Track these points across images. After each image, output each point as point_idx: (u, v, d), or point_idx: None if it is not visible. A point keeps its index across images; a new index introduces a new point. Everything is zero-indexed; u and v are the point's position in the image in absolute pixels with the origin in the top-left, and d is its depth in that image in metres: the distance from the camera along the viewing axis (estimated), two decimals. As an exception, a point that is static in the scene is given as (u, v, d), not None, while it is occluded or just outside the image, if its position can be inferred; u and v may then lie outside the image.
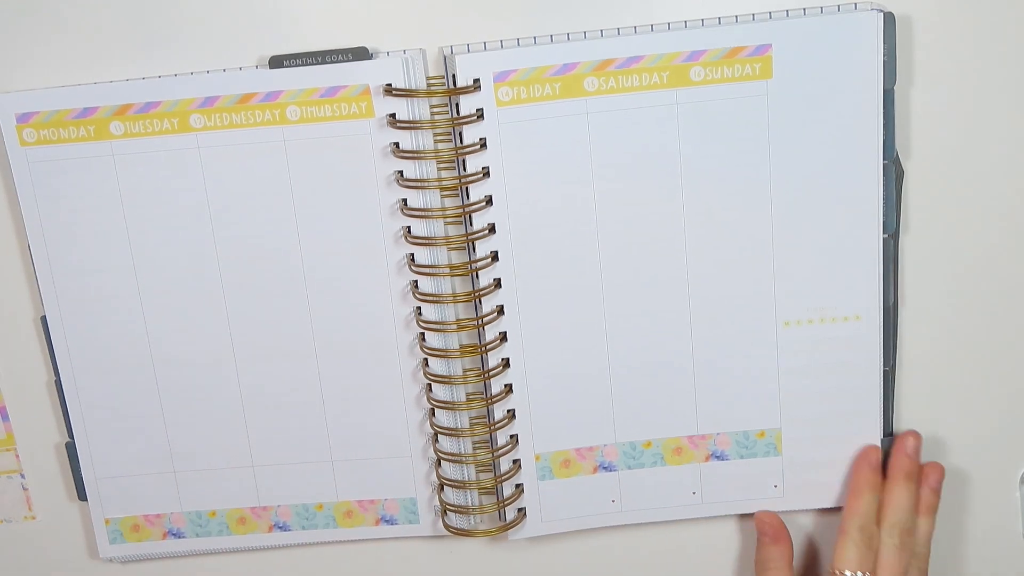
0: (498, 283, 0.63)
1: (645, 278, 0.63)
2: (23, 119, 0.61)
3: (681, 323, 0.64)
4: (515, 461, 0.66)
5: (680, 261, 0.62)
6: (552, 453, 0.66)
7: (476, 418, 0.66)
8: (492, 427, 0.65)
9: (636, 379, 0.65)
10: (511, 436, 0.66)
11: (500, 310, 0.64)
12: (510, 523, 0.67)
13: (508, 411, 0.65)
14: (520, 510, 0.67)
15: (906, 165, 0.62)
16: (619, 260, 0.63)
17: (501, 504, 0.66)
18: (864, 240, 0.62)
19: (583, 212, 0.62)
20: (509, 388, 0.65)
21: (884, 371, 0.64)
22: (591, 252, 0.62)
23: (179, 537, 0.68)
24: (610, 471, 0.66)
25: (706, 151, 0.61)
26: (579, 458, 0.66)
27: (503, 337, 0.64)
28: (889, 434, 0.66)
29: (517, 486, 0.67)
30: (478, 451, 0.66)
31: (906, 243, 0.63)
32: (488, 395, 0.65)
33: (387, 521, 0.68)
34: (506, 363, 0.64)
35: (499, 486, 0.66)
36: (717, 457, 0.66)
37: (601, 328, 0.64)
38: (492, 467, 0.66)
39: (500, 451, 0.65)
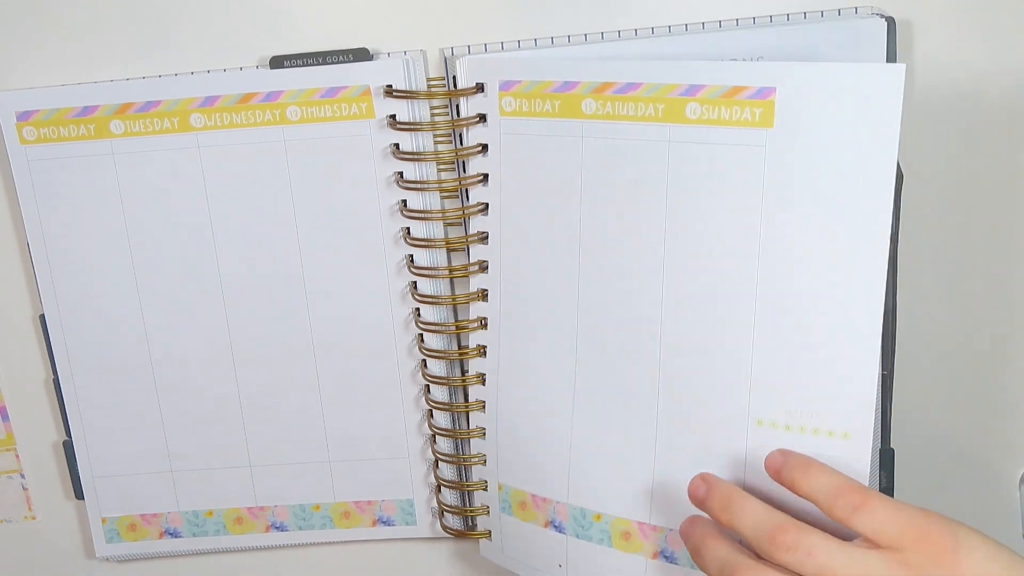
0: (483, 295, 0.63)
1: (619, 326, 0.58)
2: (23, 117, 0.61)
3: (649, 389, 0.58)
4: (483, 479, 0.66)
5: (655, 317, 0.57)
6: (513, 489, 0.65)
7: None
8: (464, 434, 0.65)
9: (598, 437, 0.60)
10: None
11: (480, 321, 0.63)
12: (479, 532, 0.67)
13: (478, 427, 0.65)
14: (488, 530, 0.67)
15: (905, 169, 0.62)
16: (597, 297, 0.59)
17: (467, 511, 0.67)
18: (863, 337, 0.52)
19: (568, 237, 0.59)
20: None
21: (882, 375, 0.64)
22: (571, 278, 0.59)
23: (176, 537, 0.69)
24: (560, 532, 0.63)
25: (694, 201, 0.55)
26: (534, 505, 0.64)
27: (481, 351, 0.64)
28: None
29: (483, 505, 0.67)
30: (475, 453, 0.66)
31: (904, 247, 0.63)
32: (461, 401, 0.65)
33: (384, 522, 0.68)
34: (482, 379, 0.64)
35: (464, 494, 0.67)
36: (666, 558, 0.60)
37: (570, 375, 0.60)
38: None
39: (471, 460, 0.66)
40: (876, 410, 0.53)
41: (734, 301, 0.55)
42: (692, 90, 0.54)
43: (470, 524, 0.67)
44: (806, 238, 0.53)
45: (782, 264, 0.53)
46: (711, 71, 0.53)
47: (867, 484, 0.52)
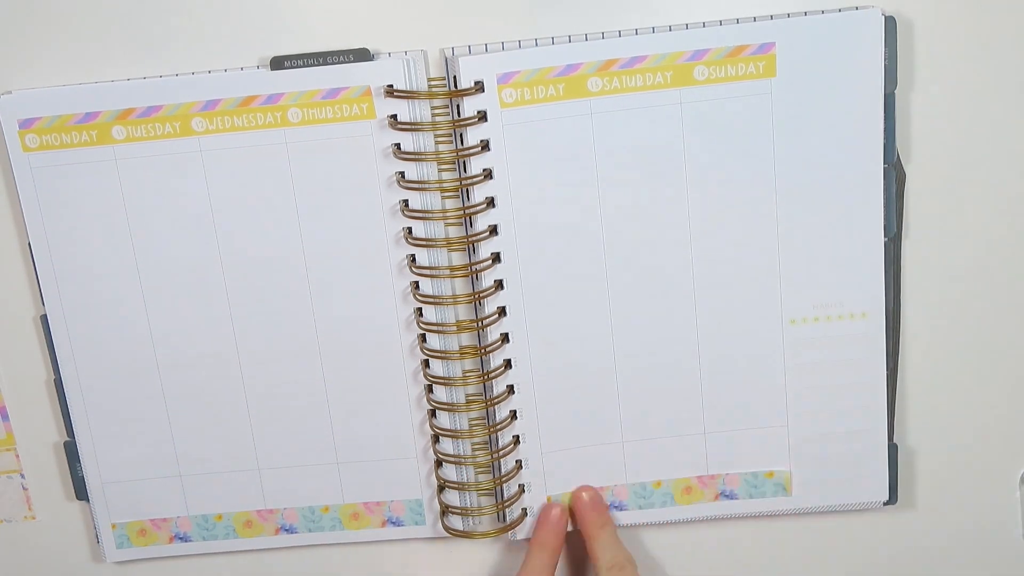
0: (499, 284, 0.63)
1: (650, 277, 0.63)
2: (25, 125, 0.61)
3: (687, 323, 0.64)
4: (517, 462, 0.66)
5: (685, 260, 0.63)
6: (563, 494, 0.67)
7: (476, 420, 0.66)
8: (492, 428, 0.65)
9: (643, 379, 0.65)
10: (513, 436, 0.66)
11: (501, 311, 0.64)
12: (511, 523, 0.67)
13: (510, 411, 0.65)
14: (524, 509, 0.67)
15: (907, 169, 0.62)
16: (624, 260, 0.63)
17: (501, 505, 0.67)
18: (868, 238, 0.62)
19: (587, 212, 0.62)
20: (510, 389, 0.65)
21: (887, 373, 0.64)
22: (595, 252, 0.62)
23: (186, 541, 0.69)
24: (620, 510, 0.67)
25: (711, 150, 0.61)
26: None
27: (504, 338, 0.64)
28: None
29: (520, 486, 0.67)
30: (477, 453, 0.66)
31: (907, 247, 0.63)
32: (488, 396, 0.65)
33: (393, 523, 0.68)
34: (507, 364, 0.64)
35: (499, 488, 0.66)
36: (727, 496, 0.67)
37: (606, 328, 0.64)
38: (491, 469, 0.66)
39: (502, 452, 0.66)
40: (885, 291, 0.63)
41: (758, 227, 0.62)
42: (698, 54, 0.59)
43: (472, 524, 0.68)
44: (812, 161, 0.61)
45: (794, 186, 0.61)
46: (713, 35, 0.59)
47: (882, 360, 0.64)
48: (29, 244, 0.64)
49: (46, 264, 0.64)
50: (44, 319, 0.65)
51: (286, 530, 0.68)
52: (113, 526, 0.69)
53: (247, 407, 0.66)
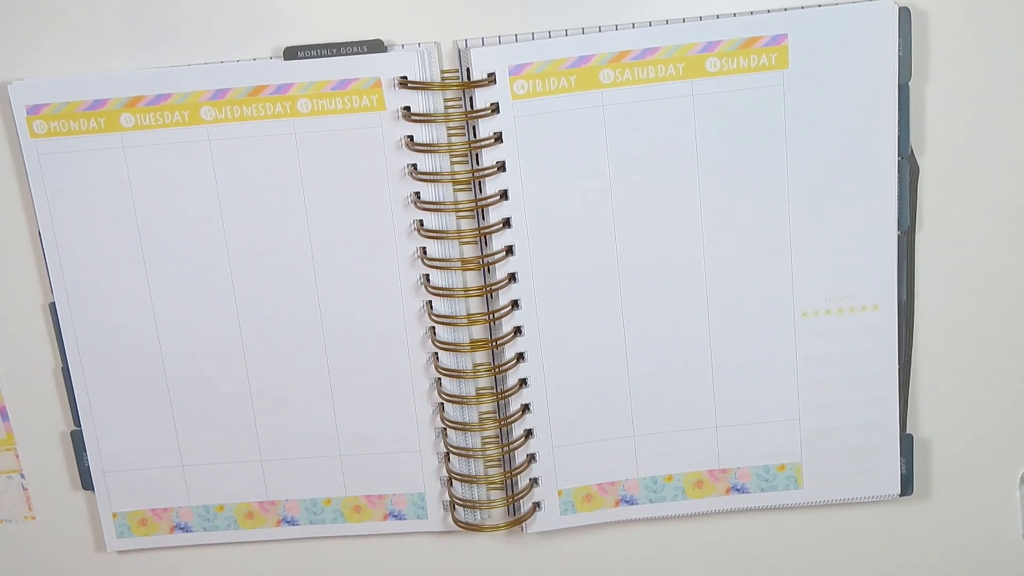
0: (512, 277, 0.63)
1: (662, 270, 0.63)
2: (33, 111, 0.61)
3: (699, 315, 0.64)
4: (529, 455, 0.66)
5: (697, 252, 0.63)
6: (575, 488, 0.67)
7: (486, 413, 0.66)
8: (504, 422, 0.65)
9: (654, 372, 0.65)
10: (525, 430, 0.66)
11: (514, 304, 0.64)
12: (522, 516, 0.67)
13: (522, 405, 0.65)
14: (535, 504, 0.67)
15: (921, 162, 0.62)
16: (636, 253, 0.63)
17: (511, 499, 0.66)
18: (881, 231, 0.62)
19: (599, 204, 0.62)
20: (522, 383, 0.65)
21: (899, 365, 0.65)
22: (607, 245, 0.63)
23: (187, 531, 0.68)
24: (631, 504, 0.67)
25: (723, 142, 0.61)
26: (601, 492, 0.67)
27: (517, 331, 0.64)
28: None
29: (531, 480, 0.67)
30: (487, 446, 0.66)
31: (920, 240, 0.63)
32: (498, 390, 0.65)
33: (395, 516, 0.68)
34: (519, 357, 0.64)
35: (509, 480, 0.66)
36: (738, 491, 0.67)
37: (618, 321, 0.64)
38: (502, 462, 0.66)
39: (513, 445, 0.65)
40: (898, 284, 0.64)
41: (770, 219, 0.62)
42: (710, 46, 0.60)
43: (481, 517, 0.67)
44: (825, 153, 0.61)
45: (806, 178, 0.62)
46: (726, 27, 0.59)
47: (894, 352, 0.64)
48: (39, 231, 0.63)
49: (54, 253, 0.64)
50: (52, 307, 0.65)
51: (287, 522, 0.68)
52: (114, 515, 0.68)
53: (251, 398, 0.65)
